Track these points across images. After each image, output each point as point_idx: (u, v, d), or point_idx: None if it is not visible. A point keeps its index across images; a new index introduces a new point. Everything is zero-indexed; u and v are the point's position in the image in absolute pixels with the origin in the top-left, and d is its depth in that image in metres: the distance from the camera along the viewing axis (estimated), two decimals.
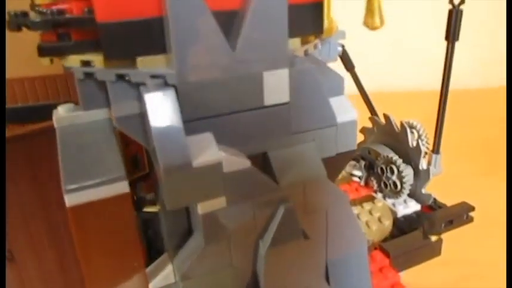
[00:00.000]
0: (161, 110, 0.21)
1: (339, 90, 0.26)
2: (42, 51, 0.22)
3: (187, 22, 0.20)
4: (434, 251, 0.38)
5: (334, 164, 0.26)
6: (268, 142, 0.24)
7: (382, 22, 0.21)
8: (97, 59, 0.22)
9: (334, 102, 0.25)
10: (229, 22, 0.22)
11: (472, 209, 0.43)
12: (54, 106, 0.25)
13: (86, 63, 0.22)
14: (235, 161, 0.22)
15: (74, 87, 0.24)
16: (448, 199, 0.45)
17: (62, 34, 0.22)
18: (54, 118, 0.23)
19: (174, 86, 0.21)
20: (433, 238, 0.38)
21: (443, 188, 0.46)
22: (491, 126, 0.86)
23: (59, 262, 0.29)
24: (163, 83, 0.21)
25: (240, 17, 0.22)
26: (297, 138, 0.24)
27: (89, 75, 0.23)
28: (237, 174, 0.22)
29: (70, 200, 0.21)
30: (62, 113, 0.24)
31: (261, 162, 0.24)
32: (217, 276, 0.23)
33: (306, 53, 0.25)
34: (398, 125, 0.46)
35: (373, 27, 0.21)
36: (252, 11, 0.21)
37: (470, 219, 0.43)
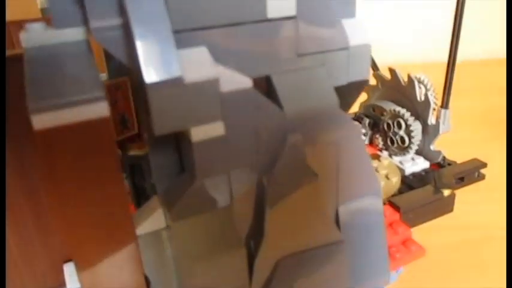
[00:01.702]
0: (146, 14, 0.17)
1: (351, 12, 0.23)
2: None
3: None
4: (446, 206, 0.35)
5: (345, 95, 0.23)
6: (272, 63, 0.21)
7: None
8: None
9: (346, 23, 0.22)
10: None
11: (484, 165, 0.40)
12: None
13: None
14: (234, 79, 0.19)
15: None
16: (451, 152, 0.42)
17: None
18: (21, 38, 0.20)
19: None
20: (446, 193, 0.35)
21: (450, 151, 0.43)
22: (492, 96, 0.83)
23: (43, 241, 0.26)
24: None
25: None
26: (304, 60, 0.21)
27: None
28: (236, 95, 0.19)
29: (37, 122, 0.17)
30: (31, 31, 0.20)
31: (264, 87, 0.21)
32: (212, 216, 0.20)
33: None
34: (405, 79, 0.43)
35: None
36: None
37: (482, 177, 0.40)
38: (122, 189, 0.20)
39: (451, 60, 0.41)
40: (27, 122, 0.17)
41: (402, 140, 0.40)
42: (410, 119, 0.39)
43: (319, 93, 0.21)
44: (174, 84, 0.17)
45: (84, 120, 0.18)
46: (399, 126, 0.40)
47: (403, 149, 0.40)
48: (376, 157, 0.42)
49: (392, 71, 0.43)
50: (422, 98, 0.41)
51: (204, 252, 0.20)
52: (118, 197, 0.20)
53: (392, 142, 0.41)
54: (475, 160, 0.40)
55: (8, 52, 0.23)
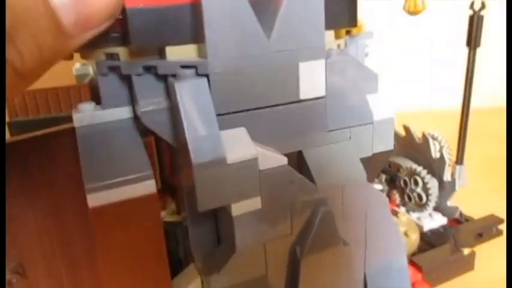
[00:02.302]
0: (193, 101, 0.19)
1: (374, 87, 0.24)
2: None
3: (221, 8, 0.19)
4: (467, 264, 0.35)
5: (370, 165, 0.24)
6: (304, 140, 0.22)
7: (424, 6, 0.20)
8: (122, 51, 0.20)
9: (371, 99, 0.24)
10: (264, 10, 0.20)
11: (501, 221, 0.41)
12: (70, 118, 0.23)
13: (110, 56, 0.21)
14: (271, 158, 0.20)
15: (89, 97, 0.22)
16: (467, 207, 0.43)
17: None
18: (74, 117, 0.22)
19: (207, 76, 0.19)
20: (466, 251, 0.35)
21: (465, 204, 0.44)
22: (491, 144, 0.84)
23: (72, 277, 0.27)
24: (194, 73, 0.19)
25: (275, 4, 0.20)
26: (333, 136, 0.23)
27: (112, 69, 0.21)
28: (273, 172, 0.20)
29: (92, 200, 0.19)
30: (82, 111, 0.22)
31: (296, 161, 0.22)
32: (249, 285, 0.21)
33: (338, 47, 0.24)
34: (419, 136, 0.44)
35: (415, 11, 0.20)
36: None
37: (499, 232, 0.41)
38: (164, 259, 0.21)
39: (464, 118, 0.43)
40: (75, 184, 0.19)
41: (419, 197, 0.41)
42: (427, 177, 0.40)
43: (347, 166, 0.23)
44: (218, 164, 0.19)
45: (133, 197, 0.19)
46: (416, 184, 0.41)
47: (421, 206, 0.41)
48: (394, 213, 0.42)
49: (406, 129, 0.45)
50: (438, 155, 0.42)
51: None
52: (161, 265, 0.21)
53: (409, 199, 0.42)
54: (492, 216, 0.41)
55: (63, 127, 0.25)
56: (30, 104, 0.36)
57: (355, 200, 0.23)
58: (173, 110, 0.20)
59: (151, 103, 0.20)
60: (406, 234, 0.39)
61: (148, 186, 0.20)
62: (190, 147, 0.19)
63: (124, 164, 0.20)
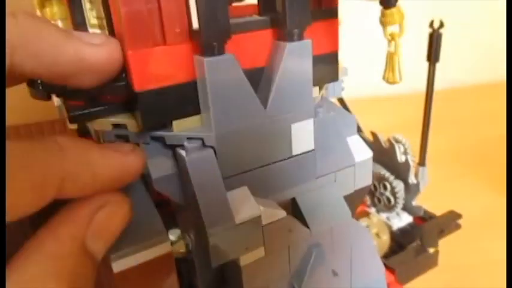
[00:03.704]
0: (202, 171, 0.21)
1: (352, 130, 0.27)
2: (74, 119, 0.22)
3: (223, 84, 0.21)
4: (432, 262, 0.40)
5: (352, 200, 0.27)
6: (296, 188, 0.25)
7: (401, 78, 0.23)
8: (130, 123, 0.22)
9: (350, 141, 0.27)
10: (256, 79, 0.23)
11: (459, 216, 0.46)
12: None
13: (117, 126, 0.23)
14: (272, 213, 0.23)
15: None
16: (430, 203, 0.47)
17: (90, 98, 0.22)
18: None
19: (212, 147, 0.22)
20: (431, 250, 0.40)
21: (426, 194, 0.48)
22: (460, 129, 0.90)
23: None
24: (201, 144, 0.22)
25: (267, 74, 0.23)
26: (320, 181, 0.26)
27: (119, 137, 0.23)
28: (274, 225, 0.23)
29: (117, 267, 0.21)
30: None
31: (290, 207, 0.25)
32: None
33: (322, 96, 0.27)
34: (384, 142, 0.48)
35: (393, 82, 0.23)
36: (282, 69, 0.22)
37: (458, 227, 0.46)
38: None
39: (426, 122, 0.47)
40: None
41: (388, 199, 0.45)
42: (395, 182, 0.44)
43: (335, 207, 0.26)
44: (227, 225, 0.21)
45: (151, 258, 0.22)
46: (385, 188, 0.45)
47: (390, 208, 0.45)
48: (366, 214, 0.47)
49: (374, 135, 0.48)
50: (403, 159, 0.46)
51: None
52: None
53: (379, 201, 0.46)
54: (451, 212, 0.46)
55: None
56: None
57: (342, 235, 0.26)
58: (182, 176, 0.22)
59: (161, 170, 0.22)
60: (377, 235, 0.43)
61: (164, 248, 0.22)
62: (203, 214, 0.21)
63: (142, 230, 0.22)
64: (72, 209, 0.18)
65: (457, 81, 1.07)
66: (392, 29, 0.21)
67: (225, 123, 0.21)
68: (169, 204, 0.25)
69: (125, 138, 0.23)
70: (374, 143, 0.49)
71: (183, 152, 0.21)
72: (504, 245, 0.55)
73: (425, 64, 0.44)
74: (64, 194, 0.17)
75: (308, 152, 0.24)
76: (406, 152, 0.48)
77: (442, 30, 0.42)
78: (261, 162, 0.23)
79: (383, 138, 0.49)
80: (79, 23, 0.25)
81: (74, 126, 0.23)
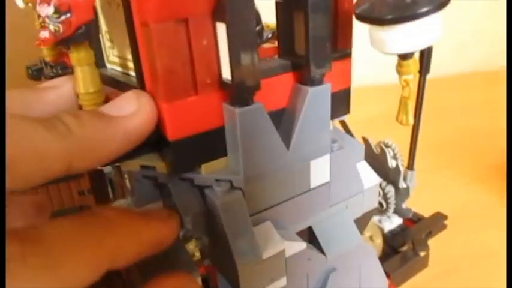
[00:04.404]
0: (233, 212, 0.22)
1: (360, 157, 0.29)
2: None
3: (251, 128, 0.22)
4: (423, 263, 0.43)
5: (360, 222, 0.29)
6: (313, 218, 0.27)
7: (411, 120, 0.24)
8: (159, 165, 0.23)
9: (358, 168, 0.29)
10: (277, 120, 0.24)
11: (446, 217, 0.49)
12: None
13: (144, 167, 0.23)
14: (294, 245, 0.24)
15: None
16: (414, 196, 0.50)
17: None
18: None
19: (240, 188, 0.23)
20: (422, 253, 0.43)
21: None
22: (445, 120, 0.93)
23: None
24: (229, 186, 0.23)
25: (289, 116, 0.24)
26: (334, 209, 0.27)
27: (147, 177, 0.24)
28: (295, 255, 0.25)
29: None
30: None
31: (307, 234, 0.27)
32: None
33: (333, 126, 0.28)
34: (375, 146, 0.50)
35: (407, 124, 0.24)
36: (304, 113, 0.23)
37: (444, 227, 0.49)
38: None
39: (416, 126, 0.49)
40: None
41: (380, 204, 0.47)
42: (387, 188, 0.47)
43: (348, 232, 0.27)
44: (256, 261, 0.23)
45: None
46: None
47: (382, 212, 0.48)
48: None
49: (365, 140, 0.50)
50: (394, 165, 0.48)
51: None
52: None
53: None
54: (438, 214, 0.49)
55: None
56: None
57: (353, 257, 0.28)
58: (211, 215, 0.23)
59: (189, 208, 0.23)
60: (371, 238, 0.46)
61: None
62: (234, 252, 0.22)
63: (170, 263, 0.23)
64: None
65: (437, 71, 1.10)
66: (407, 76, 0.23)
67: (252, 165, 0.23)
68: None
69: (153, 179, 0.24)
70: (365, 149, 0.51)
71: (212, 194, 0.23)
72: (487, 237, 0.59)
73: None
74: (115, 266, 0.18)
75: (324, 184, 0.26)
76: (396, 156, 0.50)
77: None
78: (282, 197, 0.25)
79: (373, 143, 0.51)
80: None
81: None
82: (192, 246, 0.29)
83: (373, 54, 0.24)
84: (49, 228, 0.16)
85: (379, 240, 0.45)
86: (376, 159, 0.50)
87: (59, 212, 0.36)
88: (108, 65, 0.27)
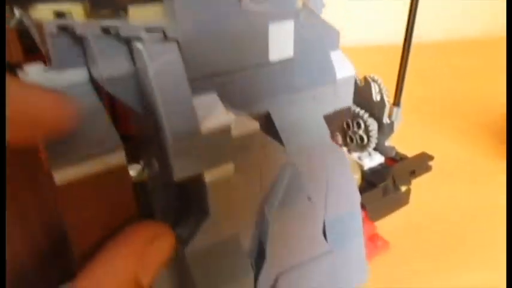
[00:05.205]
0: (165, 68, 0.18)
1: (335, 44, 0.24)
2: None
3: None
4: (404, 200, 0.39)
5: (330, 122, 0.25)
6: (271, 101, 0.22)
7: None
8: (75, 10, 0.18)
9: (333, 56, 0.24)
10: None
11: (431, 158, 0.45)
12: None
13: (60, 15, 0.19)
14: (244, 124, 0.20)
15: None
16: (400, 146, 0.46)
17: None
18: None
19: (176, 41, 0.18)
20: (403, 188, 0.39)
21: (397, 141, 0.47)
22: (444, 80, 0.90)
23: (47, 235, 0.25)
24: (162, 37, 0.18)
25: None
26: (298, 96, 0.23)
27: (63, 29, 0.19)
28: (245, 138, 0.20)
29: (59, 177, 0.18)
30: (30, 74, 0.20)
31: (264, 123, 0.22)
32: (221, 247, 0.22)
33: (303, 4, 0.24)
34: (360, 79, 0.46)
35: None
36: None
37: (429, 168, 0.45)
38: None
39: (404, 62, 0.45)
40: None
41: (361, 138, 0.43)
42: (369, 120, 0.42)
43: (313, 126, 0.23)
44: (192, 134, 0.18)
45: (102, 170, 0.18)
46: (358, 126, 0.43)
47: (362, 147, 0.44)
48: None
49: None
50: (378, 99, 0.44)
51: (216, 283, 0.22)
52: None
53: (351, 140, 0.44)
54: (423, 154, 0.45)
55: None
56: None
57: (319, 157, 0.24)
58: (140, 76, 0.19)
59: (114, 68, 0.19)
60: None
61: (118, 158, 0.19)
62: (164, 119, 0.18)
63: (90, 136, 0.18)
64: (125, 242, 0.19)
65: (428, 36, 1.06)
66: None
67: (192, 12, 0.18)
68: (132, 139, 0.22)
69: (71, 32, 0.19)
70: None
71: (140, 45, 0.18)
72: (472, 194, 0.56)
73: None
74: None
75: (286, 60, 0.22)
76: (381, 91, 0.46)
77: None
78: (233, 65, 0.20)
79: (358, 76, 0.47)
80: None
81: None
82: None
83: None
84: None
85: (357, 176, 0.41)
86: (359, 92, 0.45)
87: None
88: None
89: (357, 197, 0.27)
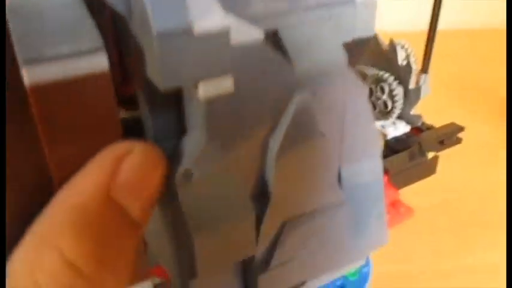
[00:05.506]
0: None
1: None
2: None
3: None
4: (430, 168, 0.36)
5: (350, 52, 0.22)
6: (279, 17, 0.19)
7: None
8: None
9: None
10: None
11: (461, 129, 0.41)
12: None
13: None
14: (245, 30, 0.17)
15: None
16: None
17: None
18: None
19: None
20: (430, 155, 0.35)
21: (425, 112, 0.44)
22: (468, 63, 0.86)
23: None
24: None
25: None
26: (312, 14, 0.20)
27: None
28: (246, 48, 0.18)
29: (30, 75, 0.15)
30: None
31: (271, 43, 0.20)
32: (219, 179, 0.19)
33: None
34: (386, 43, 0.42)
35: None
36: None
37: (459, 140, 0.41)
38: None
39: (433, 26, 0.42)
40: None
41: (385, 104, 0.40)
42: (394, 84, 0.39)
43: (327, 49, 0.20)
44: (183, 34, 0.16)
45: (81, 74, 0.16)
46: (382, 91, 0.40)
47: (386, 114, 0.40)
48: None
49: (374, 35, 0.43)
50: (404, 63, 0.41)
51: (212, 216, 0.19)
52: None
53: (374, 107, 0.41)
54: (452, 124, 0.41)
55: None
56: None
57: (334, 87, 0.21)
58: None
59: None
60: None
61: (99, 61, 0.16)
62: (149, 11, 0.15)
63: (66, 31, 0.16)
64: (93, 161, 0.16)
65: (452, 23, 1.02)
66: None
67: None
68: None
69: None
70: (372, 46, 0.43)
71: None
72: (501, 174, 0.52)
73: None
74: None
75: None
76: (409, 57, 0.42)
77: None
78: None
79: (384, 41, 0.43)
80: None
81: None
82: None
83: None
84: None
85: (380, 142, 0.38)
86: (383, 56, 0.42)
87: None
88: None
89: (378, 143, 0.24)
